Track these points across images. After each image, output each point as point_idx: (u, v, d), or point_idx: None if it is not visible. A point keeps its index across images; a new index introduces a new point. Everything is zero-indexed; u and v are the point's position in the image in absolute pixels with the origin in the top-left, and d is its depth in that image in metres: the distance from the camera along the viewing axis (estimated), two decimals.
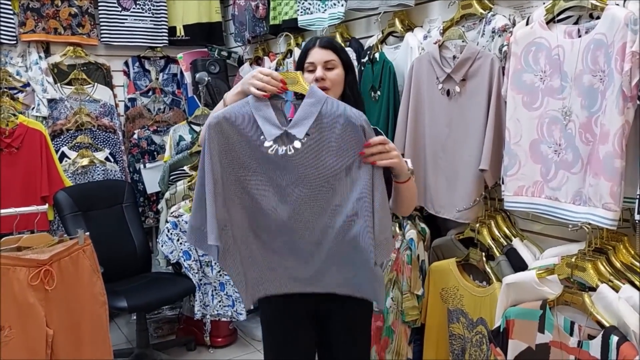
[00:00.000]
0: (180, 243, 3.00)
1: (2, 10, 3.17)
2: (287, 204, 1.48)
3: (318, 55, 1.64)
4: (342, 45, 2.21)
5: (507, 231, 2.06)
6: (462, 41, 2.06)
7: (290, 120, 1.47)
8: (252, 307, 1.72)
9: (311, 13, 2.84)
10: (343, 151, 1.45)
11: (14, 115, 3.05)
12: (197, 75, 3.13)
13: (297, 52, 2.97)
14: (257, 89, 1.48)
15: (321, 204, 1.48)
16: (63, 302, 1.90)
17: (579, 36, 1.70)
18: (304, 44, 1.67)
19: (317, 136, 1.44)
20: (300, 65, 1.67)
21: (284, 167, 1.47)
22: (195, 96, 3.55)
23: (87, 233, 1.99)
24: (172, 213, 3.05)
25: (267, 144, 1.46)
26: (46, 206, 1.97)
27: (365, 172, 1.44)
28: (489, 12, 2.04)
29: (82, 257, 1.97)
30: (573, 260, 1.66)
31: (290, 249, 1.53)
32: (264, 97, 1.47)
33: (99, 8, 3.54)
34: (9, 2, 3.20)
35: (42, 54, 3.32)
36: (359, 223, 1.44)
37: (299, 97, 1.49)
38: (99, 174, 3.39)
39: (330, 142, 1.44)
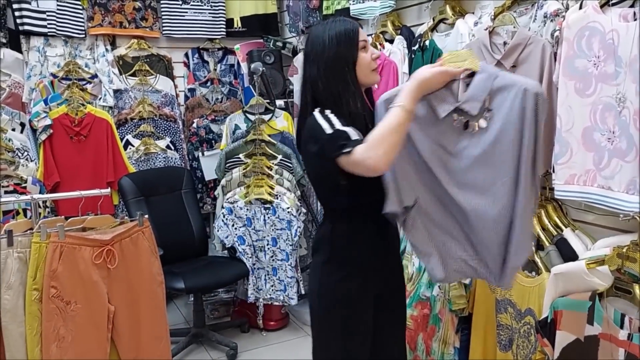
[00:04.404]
0: (235, 228, 3.10)
1: (72, 5, 3.38)
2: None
3: (365, 35, 1.65)
4: None
5: (557, 221, 2.00)
6: (513, 27, 2.01)
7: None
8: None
9: (363, 2, 2.84)
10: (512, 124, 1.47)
11: (83, 105, 3.24)
12: (252, 66, 3.21)
13: None
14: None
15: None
16: (124, 280, 2.00)
17: (635, 19, 1.64)
18: (338, 21, 1.63)
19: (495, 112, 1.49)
20: (354, 43, 1.60)
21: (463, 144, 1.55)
22: (251, 86, 3.63)
23: (146, 216, 2.10)
24: (227, 199, 3.16)
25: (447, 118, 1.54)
26: (109, 190, 2.10)
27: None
28: None
29: (142, 238, 2.08)
30: (624, 250, 1.61)
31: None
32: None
33: (161, 2, 3.69)
34: None
35: (109, 47, 3.51)
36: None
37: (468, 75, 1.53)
38: (160, 161, 3.55)
39: (506, 115, 1.47)
